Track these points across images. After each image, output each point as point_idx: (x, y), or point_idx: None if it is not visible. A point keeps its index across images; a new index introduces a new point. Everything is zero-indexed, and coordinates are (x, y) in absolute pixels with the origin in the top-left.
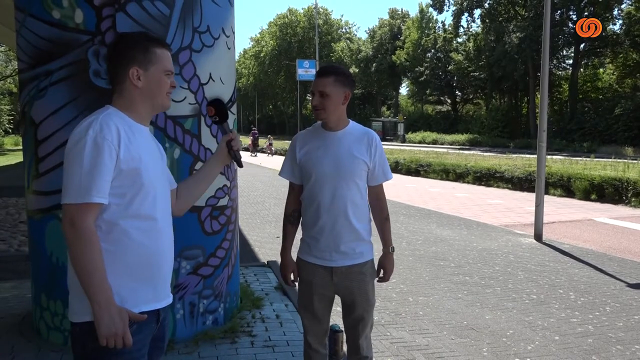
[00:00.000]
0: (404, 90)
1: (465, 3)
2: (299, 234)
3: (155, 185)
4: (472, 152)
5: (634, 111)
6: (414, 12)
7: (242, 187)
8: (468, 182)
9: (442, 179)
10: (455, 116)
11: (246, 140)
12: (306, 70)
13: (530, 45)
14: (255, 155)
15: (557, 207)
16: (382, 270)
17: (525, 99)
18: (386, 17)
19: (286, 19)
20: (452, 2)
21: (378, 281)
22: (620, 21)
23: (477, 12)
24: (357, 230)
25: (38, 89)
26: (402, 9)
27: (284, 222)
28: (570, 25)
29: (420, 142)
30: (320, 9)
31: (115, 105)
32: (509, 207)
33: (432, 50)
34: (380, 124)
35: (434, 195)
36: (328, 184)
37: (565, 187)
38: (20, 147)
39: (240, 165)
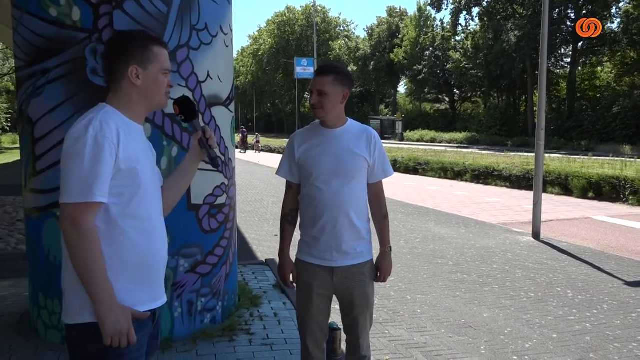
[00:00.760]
0: (402, 88)
1: (463, 1)
2: (297, 235)
3: (150, 185)
4: (470, 150)
5: (632, 109)
6: (412, 11)
7: (241, 185)
8: (466, 181)
9: (440, 177)
10: (453, 114)
11: (236, 138)
12: (304, 69)
13: (529, 43)
14: (244, 152)
15: (555, 206)
16: (378, 271)
17: (524, 97)
18: (384, 15)
19: (284, 17)
20: (451, 0)
21: (374, 282)
22: (618, 19)
23: (476, 11)
24: (358, 229)
25: (35, 87)
26: (400, 7)
27: (282, 222)
28: (569, 23)
29: (418, 141)
30: (319, 7)
31: (111, 103)
32: (507, 205)
33: (431, 49)
34: (379, 122)
35: (432, 194)
36: (328, 182)
37: (563, 185)
38: (18, 145)
39: (215, 165)
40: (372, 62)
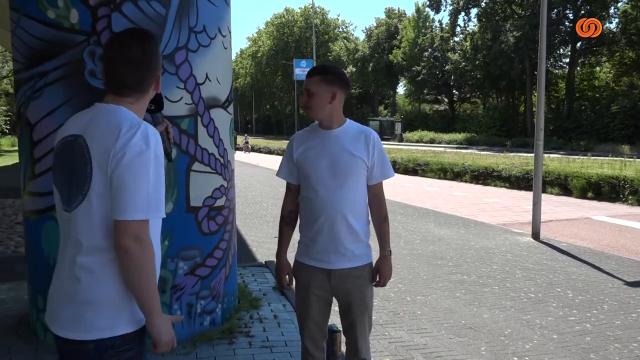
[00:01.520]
0: (401, 89)
1: (461, 2)
2: (296, 236)
3: None
4: (469, 150)
5: (631, 109)
6: (410, 12)
7: (240, 187)
8: (465, 181)
9: (439, 178)
10: (452, 115)
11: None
12: (303, 70)
13: (527, 43)
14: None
15: (555, 206)
16: (378, 275)
17: (522, 97)
18: (383, 16)
19: (283, 19)
20: (449, 1)
21: (374, 286)
22: (617, 20)
23: (474, 11)
24: (355, 231)
25: (34, 89)
26: (398, 9)
27: (280, 223)
28: (567, 23)
29: (417, 141)
30: (317, 9)
31: (134, 110)
32: (506, 206)
33: (429, 50)
34: (378, 123)
35: (432, 194)
36: (325, 183)
37: (563, 185)
38: (17, 148)
39: (169, 160)
40: (371, 64)
